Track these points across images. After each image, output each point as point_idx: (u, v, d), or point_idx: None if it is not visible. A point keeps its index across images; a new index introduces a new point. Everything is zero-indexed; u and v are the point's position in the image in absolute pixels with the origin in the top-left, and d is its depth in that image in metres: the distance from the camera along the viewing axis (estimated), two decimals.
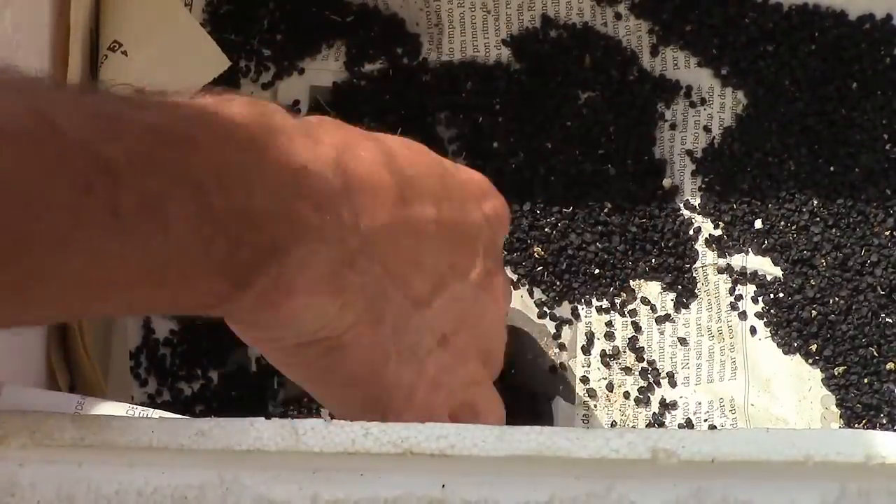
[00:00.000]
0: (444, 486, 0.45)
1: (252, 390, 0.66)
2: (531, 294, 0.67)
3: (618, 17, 0.69)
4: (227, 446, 0.45)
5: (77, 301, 0.44)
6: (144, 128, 0.42)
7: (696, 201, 0.68)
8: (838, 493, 0.45)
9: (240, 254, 0.45)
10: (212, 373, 0.66)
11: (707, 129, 0.68)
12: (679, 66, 0.69)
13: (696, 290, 0.67)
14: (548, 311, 0.67)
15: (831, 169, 0.67)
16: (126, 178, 0.41)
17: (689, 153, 0.68)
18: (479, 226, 0.54)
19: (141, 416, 0.54)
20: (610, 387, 0.66)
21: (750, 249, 0.67)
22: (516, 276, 0.67)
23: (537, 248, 0.67)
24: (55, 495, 0.44)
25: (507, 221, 0.57)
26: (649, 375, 0.66)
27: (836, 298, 0.65)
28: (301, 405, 0.65)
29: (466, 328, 0.55)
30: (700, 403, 0.65)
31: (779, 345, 0.66)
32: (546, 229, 0.67)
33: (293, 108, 0.70)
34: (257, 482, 0.45)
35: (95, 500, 0.44)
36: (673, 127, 0.69)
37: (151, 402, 0.65)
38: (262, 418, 0.44)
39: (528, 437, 0.45)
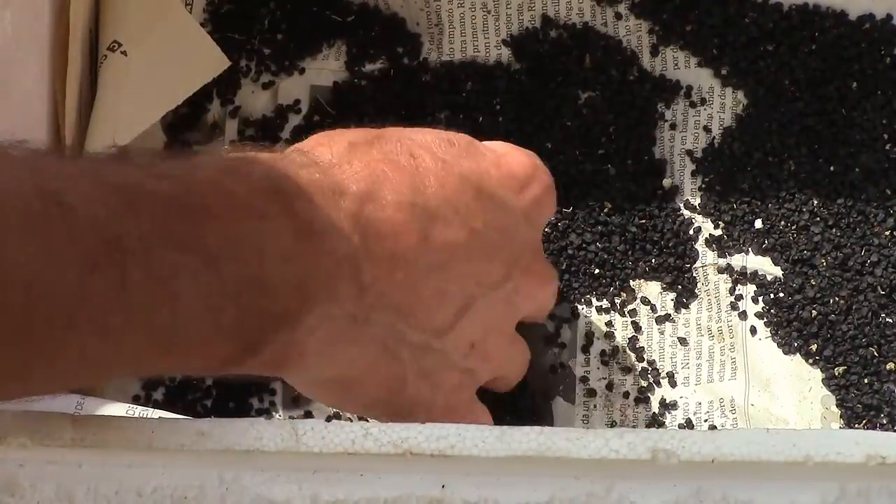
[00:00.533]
0: (444, 486, 0.45)
1: (252, 390, 0.66)
2: None
3: (618, 17, 0.69)
4: (227, 446, 0.45)
5: (82, 376, 0.45)
6: (160, 200, 0.42)
7: (696, 201, 0.68)
8: (838, 494, 0.45)
9: (249, 322, 0.45)
10: None
11: (707, 129, 0.68)
12: (679, 66, 0.69)
13: (696, 290, 0.67)
14: None
15: (831, 169, 0.67)
16: (136, 252, 0.41)
17: (689, 153, 0.68)
18: (515, 226, 0.54)
19: (141, 416, 0.54)
20: (610, 387, 0.66)
21: (750, 249, 0.67)
22: None
23: (544, 246, 0.67)
24: (55, 495, 0.44)
25: (550, 203, 0.57)
26: (649, 375, 0.66)
27: (837, 298, 0.65)
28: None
29: (496, 331, 0.55)
30: (700, 403, 0.65)
31: (779, 345, 0.66)
32: (546, 229, 0.67)
33: (294, 107, 0.70)
34: (257, 482, 0.45)
35: (95, 500, 0.44)
36: (673, 127, 0.69)
37: (151, 402, 0.65)
38: (262, 419, 0.45)
39: (528, 438, 0.45)
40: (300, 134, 0.69)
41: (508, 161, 0.55)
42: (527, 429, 0.45)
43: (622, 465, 0.45)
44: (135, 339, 0.42)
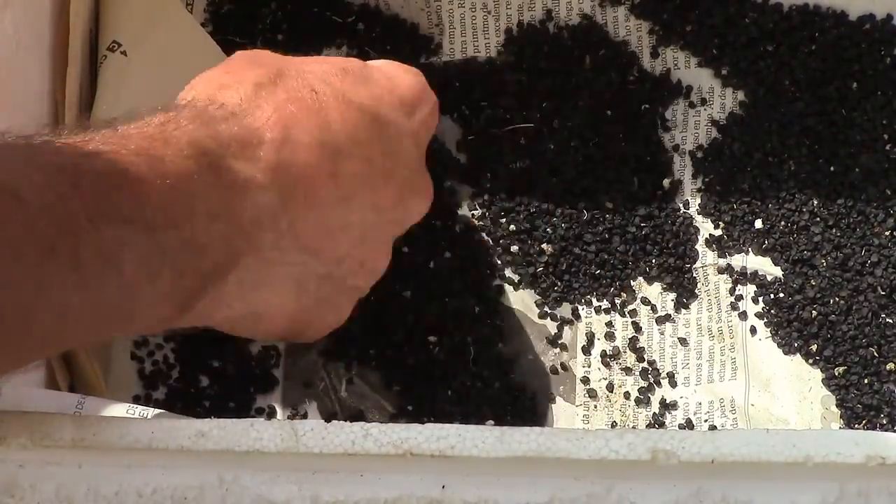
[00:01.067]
0: (444, 486, 0.45)
1: (251, 390, 0.66)
2: (535, 293, 0.67)
3: (618, 17, 0.69)
4: (226, 447, 0.45)
5: (37, 354, 0.47)
6: (100, 177, 0.44)
7: (696, 201, 0.68)
8: (838, 494, 0.45)
9: (183, 282, 0.47)
10: (212, 372, 0.66)
11: (707, 130, 0.68)
12: (679, 66, 0.69)
13: (697, 291, 0.67)
14: (548, 312, 0.67)
15: (831, 169, 0.67)
16: (86, 232, 0.42)
17: (690, 153, 0.68)
18: (406, 149, 0.57)
19: (141, 415, 0.54)
20: (610, 387, 0.66)
21: (750, 249, 0.67)
22: (517, 276, 0.67)
23: (545, 246, 0.66)
24: (55, 496, 0.44)
25: (434, 121, 0.60)
26: (649, 376, 0.66)
27: (837, 298, 0.65)
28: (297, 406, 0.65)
29: (383, 248, 0.58)
30: (700, 404, 0.65)
31: (779, 345, 0.66)
32: (548, 229, 0.67)
33: None
34: (257, 483, 0.45)
35: (95, 500, 0.44)
36: (673, 127, 0.69)
37: (151, 402, 0.65)
38: (262, 419, 0.45)
39: (528, 438, 0.45)
40: None
41: (399, 84, 0.57)
42: (527, 429, 0.45)
43: (622, 465, 0.45)
44: (88, 314, 0.43)
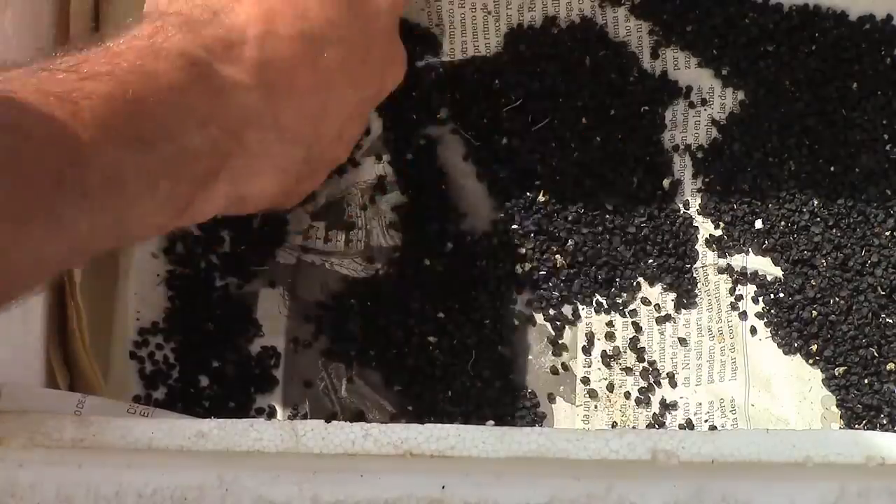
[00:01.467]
0: (443, 486, 0.45)
1: (251, 390, 0.66)
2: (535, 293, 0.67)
3: (618, 17, 0.69)
4: (226, 447, 0.45)
5: (42, 281, 0.50)
6: (98, 101, 0.45)
7: (696, 201, 0.68)
8: (838, 494, 0.45)
9: (179, 188, 0.49)
10: (212, 372, 0.66)
11: (707, 130, 0.68)
12: (679, 66, 0.69)
13: (697, 291, 0.67)
14: (548, 312, 0.67)
15: (831, 169, 0.67)
16: (91, 158, 0.44)
17: (690, 153, 0.68)
18: (385, 23, 0.59)
19: (141, 415, 0.54)
20: (610, 387, 0.66)
21: (750, 249, 0.67)
22: (517, 276, 0.67)
23: (558, 258, 0.66)
24: (55, 496, 0.44)
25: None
26: (650, 376, 0.66)
27: (837, 299, 0.65)
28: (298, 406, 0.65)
29: (359, 118, 0.61)
30: (700, 404, 0.65)
31: (779, 345, 0.66)
32: (550, 228, 0.67)
33: None
34: (257, 483, 0.45)
35: (95, 500, 0.44)
36: (673, 127, 0.69)
37: (151, 401, 0.65)
38: (262, 419, 0.45)
39: (529, 438, 0.45)
40: None
41: None
42: (527, 429, 0.45)
43: (622, 465, 0.45)
44: (94, 235, 0.45)
